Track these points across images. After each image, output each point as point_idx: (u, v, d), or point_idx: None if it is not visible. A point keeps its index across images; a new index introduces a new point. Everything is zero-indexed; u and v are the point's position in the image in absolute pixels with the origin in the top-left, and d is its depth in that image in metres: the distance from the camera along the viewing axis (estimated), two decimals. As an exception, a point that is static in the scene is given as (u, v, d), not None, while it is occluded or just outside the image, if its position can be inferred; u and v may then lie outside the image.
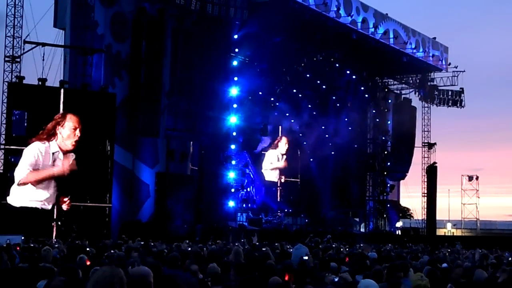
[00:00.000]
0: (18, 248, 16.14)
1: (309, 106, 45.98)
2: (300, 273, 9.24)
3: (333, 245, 24.63)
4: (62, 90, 28.88)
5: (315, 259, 13.68)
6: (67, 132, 27.67)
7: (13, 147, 27.94)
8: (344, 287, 8.82)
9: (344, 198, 47.77)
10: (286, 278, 8.85)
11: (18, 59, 32.02)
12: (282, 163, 45.03)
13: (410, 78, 53.64)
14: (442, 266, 13.52)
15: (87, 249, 15.44)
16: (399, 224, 52.78)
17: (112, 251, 15.31)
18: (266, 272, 9.29)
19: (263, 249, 16.93)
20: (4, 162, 29.00)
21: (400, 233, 50.52)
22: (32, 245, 18.65)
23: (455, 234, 52.40)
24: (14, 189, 27.47)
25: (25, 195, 27.59)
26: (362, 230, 49.94)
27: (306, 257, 12.19)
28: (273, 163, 44.80)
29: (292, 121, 45.41)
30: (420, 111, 54.09)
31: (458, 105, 53.09)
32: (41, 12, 32.57)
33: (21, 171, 27.37)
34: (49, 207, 27.88)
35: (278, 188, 45.72)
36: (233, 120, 37.10)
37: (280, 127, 45.80)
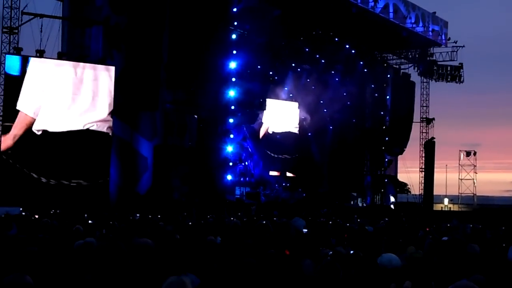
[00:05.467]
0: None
1: (308, 80, 45.90)
2: (297, 247, 9.30)
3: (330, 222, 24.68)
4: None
5: (313, 233, 13.75)
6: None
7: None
8: (340, 260, 8.85)
9: (342, 173, 47.83)
10: (287, 252, 8.91)
11: (16, 31, 31.84)
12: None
13: (409, 53, 53.50)
14: (442, 239, 13.62)
15: (90, 221, 15.55)
16: (392, 199, 52.90)
17: (110, 222, 15.40)
18: (264, 244, 9.35)
19: (262, 222, 16.97)
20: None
21: (393, 208, 50.68)
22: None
23: (452, 209, 52.54)
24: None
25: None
26: (360, 204, 50.13)
27: (305, 230, 12.27)
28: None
29: (291, 95, 45.33)
30: (419, 86, 54.16)
31: (457, 80, 53.06)
32: (39, -17, 32.35)
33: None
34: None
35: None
36: (231, 93, 37.04)
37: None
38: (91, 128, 30.17)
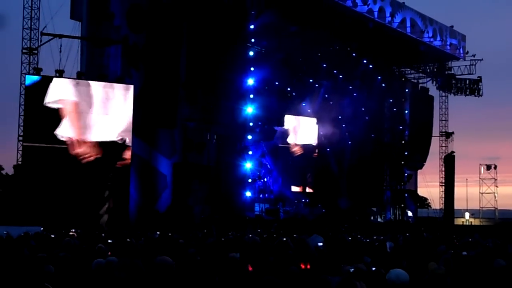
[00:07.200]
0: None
1: (326, 96, 45.87)
2: (316, 262, 9.25)
3: (349, 238, 24.54)
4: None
5: (333, 249, 13.67)
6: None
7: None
8: (360, 277, 8.79)
9: (361, 188, 47.59)
10: (302, 266, 8.87)
11: (35, 51, 32.17)
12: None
13: (427, 67, 53.35)
14: (463, 253, 13.52)
15: (109, 240, 15.57)
16: (409, 214, 52.50)
17: (128, 239, 15.41)
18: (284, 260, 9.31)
19: (283, 239, 16.91)
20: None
21: (411, 222, 50.34)
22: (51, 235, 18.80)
23: (473, 223, 52.08)
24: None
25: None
26: (380, 219, 49.82)
27: (320, 244, 12.21)
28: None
29: (309, 111, 45.30)
30: (438, 100, 54.01)
31: (476, 93, 52.77)
32: (57, 3, 32.70)
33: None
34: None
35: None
36: (249, 110, 37.05)
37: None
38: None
